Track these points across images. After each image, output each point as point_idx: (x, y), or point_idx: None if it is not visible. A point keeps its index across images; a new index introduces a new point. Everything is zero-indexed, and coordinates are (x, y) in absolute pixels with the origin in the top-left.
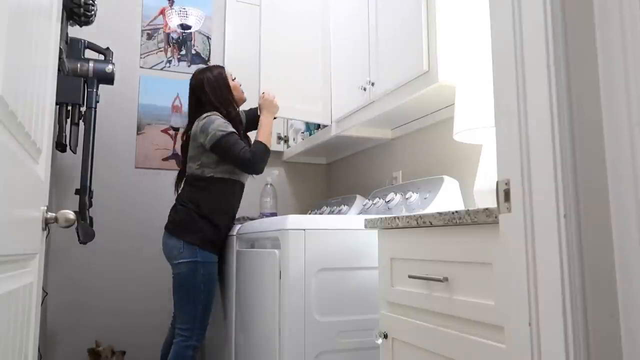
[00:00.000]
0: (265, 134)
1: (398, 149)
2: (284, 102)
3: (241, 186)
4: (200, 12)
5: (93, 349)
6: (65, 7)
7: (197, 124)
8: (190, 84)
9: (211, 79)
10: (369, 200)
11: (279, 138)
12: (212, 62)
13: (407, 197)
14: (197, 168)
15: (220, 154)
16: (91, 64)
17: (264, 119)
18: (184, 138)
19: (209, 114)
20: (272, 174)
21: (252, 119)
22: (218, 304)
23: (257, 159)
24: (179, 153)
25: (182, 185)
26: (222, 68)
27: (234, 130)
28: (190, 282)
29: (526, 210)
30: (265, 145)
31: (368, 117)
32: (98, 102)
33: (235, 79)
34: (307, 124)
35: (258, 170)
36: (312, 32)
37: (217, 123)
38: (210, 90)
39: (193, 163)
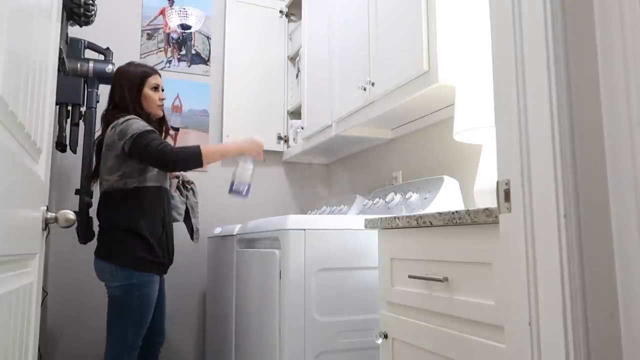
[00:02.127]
0: (216, 152)
1: (398, 149)
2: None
3: (166, 192)
4: (200, 12)
5: None
6: (65, 7)
7: (114, 130)
8: (113, 75)
9: (125, 78)
10: (369, 200)
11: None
12: (212, 62)
13: (407, 197)
14: (117, 180)
15: (138, 154)
16: (91, 64)
17: (230, 145)
18: (97, 143)
19: (126, 117)
20: None
21: None
22: (218, 304)
23: (178, 155)
24: None
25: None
26: (148, 73)
27: (152, 129)
28: (122, 305)
29: (526, 210)
30: (199, 155)
31: (368, 117)
32: (98, 102)
33: (161, 89)
34: None
35: (170, 165)
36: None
37: (136, 125)
38: (119, 88)
39: (111, 175)
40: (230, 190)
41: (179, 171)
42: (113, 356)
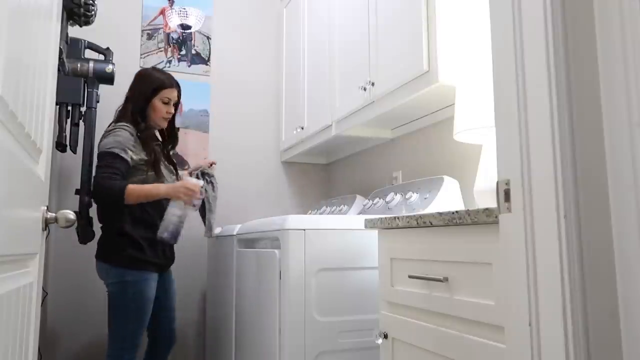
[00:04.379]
0: (144, 191)
1: (398, 149)
2: None
3: None
4: (200, 12)
5: None
6: (65, 7)
7: (106, 130)
8: (136, 74)
9: (143, 83)
10: (369, 200)
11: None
12: (213, 62)
13: (407, 197)
14: None
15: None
16: (91, 64)
17: (162, 188)
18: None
19: (114, 127)
20: None
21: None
22: (218, 304)
23: (101, 192)
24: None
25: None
26: (166, 85)
27: (115, 152)
28: (119, 302)
29: (526, 210)
30: (123, 193)
31: (368, 117)
32: (98, 102)
33: (169, 103)
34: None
35: (94, 197)
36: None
37: (109, 139)
38: (136, 89)
39: None
40: (157, 236)
41: (98, 204)
42: (113, 352)
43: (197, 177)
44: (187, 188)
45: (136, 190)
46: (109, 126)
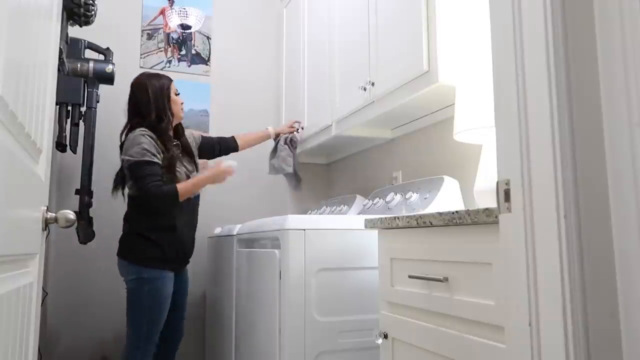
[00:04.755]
0: (189, 189)
1: (398, 149)
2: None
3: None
4: (200, 12)
5: None
6: (65, 7)
7: (124, 140)
8: (132, 84)
9: (156, 85)
10: (369, 200)
11: None
12: (213, 62)
13: (407, 197)
14: (131, 187)
15: (133, 180)
16: (91, 64)
17: (204, 178)
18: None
19: (134, 133)
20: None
21: (226, 147)
22: (218, 304)
23: (158, 199)
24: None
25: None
26: (170, 80)
27: (149, 159)
28: (135, 299)
29: (526, 210)
30: (177, 195)
31: (368, 117)
32: (98, 102)
33: (179, 94)
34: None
35: (152, 204)
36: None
37: (135, 149)
38: (152, 92)
39: (128, 183)
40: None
41: (156, 208)
42: (130, 347)
43: (286, 143)
44: (223, 172)
45: (186, 188)
46: (126, 134)
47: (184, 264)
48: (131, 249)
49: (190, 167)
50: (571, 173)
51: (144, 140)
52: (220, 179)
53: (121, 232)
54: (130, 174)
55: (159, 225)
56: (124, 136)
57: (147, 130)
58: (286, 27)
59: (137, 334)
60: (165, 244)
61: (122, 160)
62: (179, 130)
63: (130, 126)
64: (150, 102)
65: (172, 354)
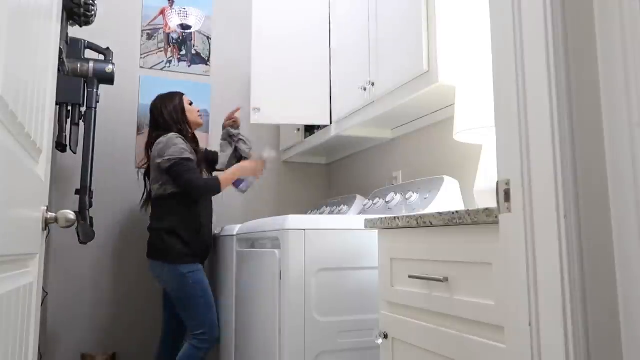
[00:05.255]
0: (228, 179)
1: (398, 149)
2: (281, 110)
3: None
4: (200, 12)
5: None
6: (65, 7)
7: (155, 147)
8: (150, 109)
9: (168, 103)
10: (369, 200)
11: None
12: (213, 62)
13: (407, 197)
14: (158, 188)
15: (174, 178)
16: (91, 64)
17: (236, 170)
18: (146, 161)
19: (167, 136)
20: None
21: (212, 161)
22: (218, 304)
23: (202, 190)
24: None
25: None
26: (181, 95)
27: (188, 156)
28: (185, 293)
29: (526, 210)
30: (218, 186)
31: (368, 117)
32: (98, 102)
33: (192, 104)
34: None
35: (196, 196)
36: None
37: (173, 149)
38: (167, 112)
39: (155, 184)
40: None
41: (201, 198)
42: (197, 338)
43: (228, 143)
44: (256, 164)
45: (225, 179)
46: (155, 138)
47: (206, 258)
48: (164, 249)
49: (205, 175)
50: (571, 173)
51: (179, 141)
52: (259, 171)
53: (121, 232)
54: (172, 173)
55: (187, 223)
56: (153, 147)
57: (177, 133)
58: None
59: (200, 324)
60: (192, 241)
61: (159, 163)
62: (195, 140)
63: (154, 138)
64: (167, 120)
65: (178, 346)
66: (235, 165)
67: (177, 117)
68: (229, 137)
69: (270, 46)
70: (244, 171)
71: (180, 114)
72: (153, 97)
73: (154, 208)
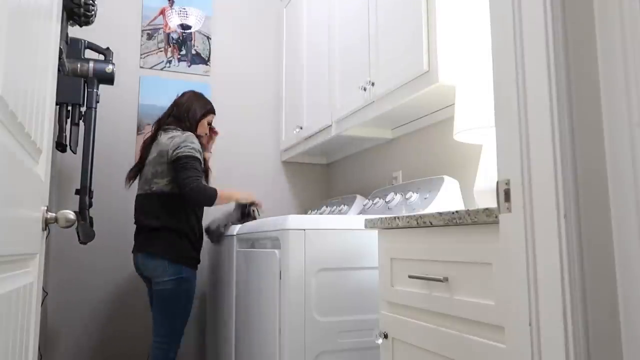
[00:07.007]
0: (226, 196)
1: (398, 149)
2: None
3: None
4: (200, 12)
5: None
6: (65, 7)
7: (172, 140)
8: (178, 98)
9: (203, 103)
10: (369, 200)
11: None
12: (213, 62)
13: (407, 197)
14: (166, 184)
15: (175, 169)
16: (91, 64)
17: (236, 193)
18: (147, 141)
19: (185, 133)
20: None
21: None
22: (218, 304)
23: (199, 194)
24: None
25: (142, 199)
26: (212, 109)
27: (200, 159)
28: (173, 298)
29: (526, 210)
30: (215, 197)
31: (368, 117)
32: (98, 102)
33: (213, 128)
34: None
35: (190, 202)
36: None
37: (191, 145)
38: (192, 110)
39: (162, 179)
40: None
41: (194, 205)
42: (160, 346)
43: (249, 211)
44: (254, 199)
45: (222, 195)
46: (171, 129)
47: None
48: (172, 248)
49: None
50: (571, 173)
51: (197, 141)
52: (252, 198)
53: (121, 232)
54: (179, 164)
55: (192, 225)
56: (167, 138)
57: (194, 134)
58: (286, 27)
59: (172, 331)
60: (198, 245)
61: (172, 152)
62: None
63: (177, 124)
64: (190, 112)
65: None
66: (234, 191)
67: (194, 117)
68: (245, 205)
69: None
70: (243, 195)
71: (197, 118)
72: (153, 97)
73: (160, 204)
